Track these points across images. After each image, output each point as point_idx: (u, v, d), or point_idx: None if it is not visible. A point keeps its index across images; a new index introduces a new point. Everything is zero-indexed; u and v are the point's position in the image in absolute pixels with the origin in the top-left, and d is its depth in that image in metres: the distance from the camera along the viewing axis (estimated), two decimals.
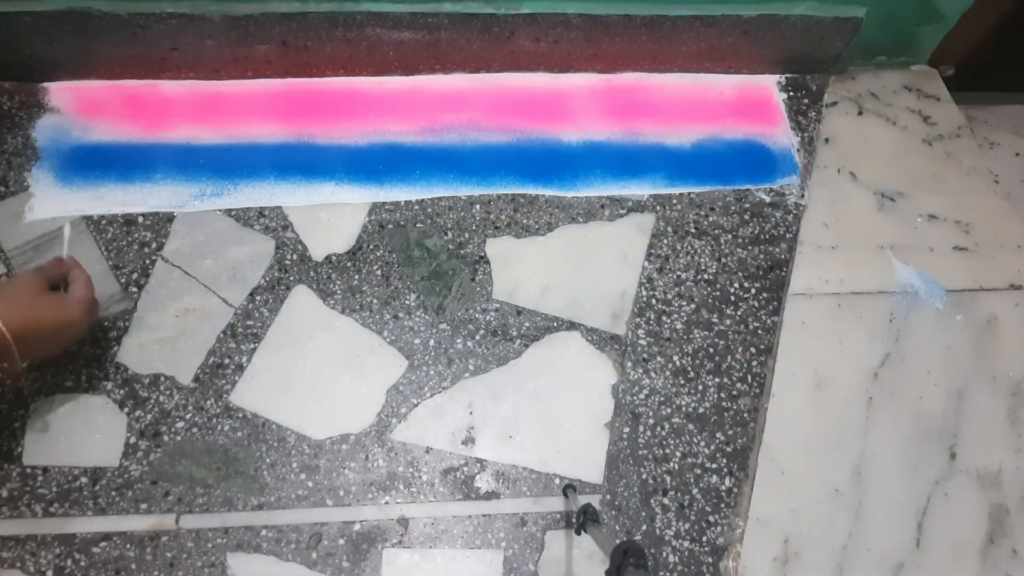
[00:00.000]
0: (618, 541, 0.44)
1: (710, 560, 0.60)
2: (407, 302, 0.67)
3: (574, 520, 0.55)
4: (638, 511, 0.61)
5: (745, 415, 0.65)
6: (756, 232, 0.74)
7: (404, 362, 0.65)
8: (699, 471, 0.63)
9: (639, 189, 0.75)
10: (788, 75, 0.84)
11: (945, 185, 0.79)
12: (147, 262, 0.67)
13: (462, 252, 0.70)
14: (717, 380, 0.66)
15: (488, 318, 0.67)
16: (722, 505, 0.62)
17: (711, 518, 0.61)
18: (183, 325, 0.64)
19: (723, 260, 0.72)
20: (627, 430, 0.64)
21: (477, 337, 0.66)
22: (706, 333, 0.68)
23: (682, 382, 0.66)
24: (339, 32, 0.72)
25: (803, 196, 0.76)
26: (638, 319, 0.68)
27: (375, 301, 0.67)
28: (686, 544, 0.60)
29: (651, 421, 0.64)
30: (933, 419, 0.66)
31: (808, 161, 0.78)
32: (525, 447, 0.62)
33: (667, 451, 0.63)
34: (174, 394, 0.61)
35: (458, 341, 0.66)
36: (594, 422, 0.64)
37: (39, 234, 0.66)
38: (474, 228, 0.71)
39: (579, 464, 0.62)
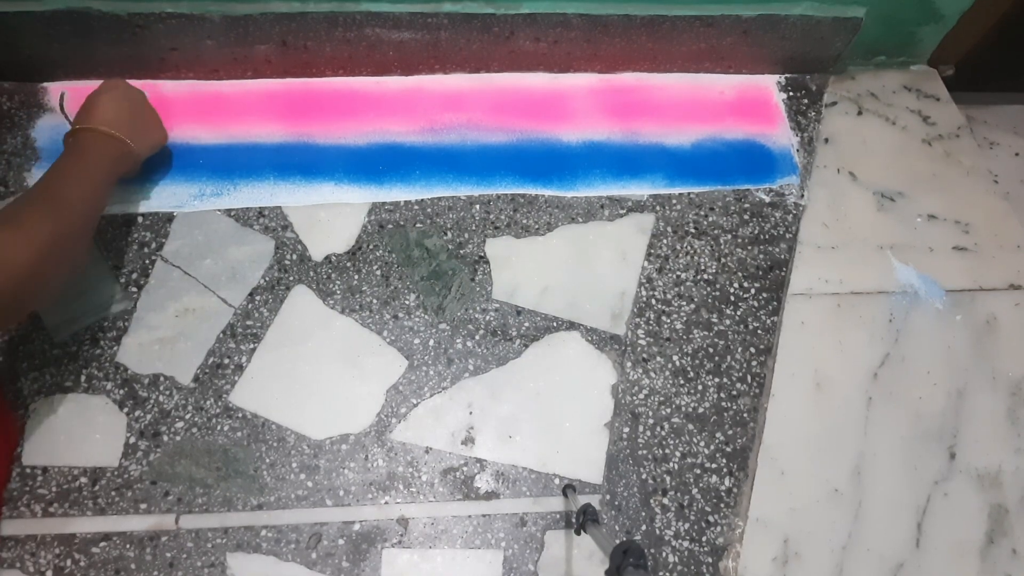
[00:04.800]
0: (618, 541, 0.44)
1: (710, 560, 0.60)
2: (407, 302, 0.67)
3: (574, 520, 0.55)
4: (638, 511, 0.61)
5: (745, 415, 0.65)
6: (756, 232, 0.74)
7: (404, 362, 0.65)
8: (699, 471, 0.63)
9: (639, 189, 0.75)
10: (788, 75, 0.84)
11: (945, 185, 0.79)
12: (147, 262, 0.67)
13: (462, 252, 0.70)
14: (717, 380, 0.66)
15: (488, 318, 0.67)
16: (722, 505, 0.62)
17: (711, 518, 0.61)
18: (183, 325, 0.64)
19: (723, 260, 0.72)
20: (627, 430, 0.64)
21: (477, 337, 0.66)
22: (706, 333, 0.68)
23: (682, 382, 0.66)
24: (339, 32, 0.72)
25: (803, 196, 0.76)
26: (638, 319, 0.68)
27: (375, 301, 0.67)
28: (686, 544, 0.60)
29: (651, 421, 0.64)
30: (933, 419, 0.66)
31: (808, 161, 0.78)
32: (525, 447, 0.62)
33: (667, 451, 0.63)
34: (174, 394, 0.61)
35: (458, 341, 0.66)
36: (594, 422, 0.64)
37: None
38: (474, 228, 0.71)
39: (579, 464, 0.62)
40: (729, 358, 0.67)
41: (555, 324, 0.67)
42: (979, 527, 0.63)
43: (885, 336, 0.70)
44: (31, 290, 0.50)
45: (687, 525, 0.61)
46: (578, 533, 0.54)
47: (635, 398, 0.65)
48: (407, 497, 0.60)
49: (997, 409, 0.67)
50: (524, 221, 0.72)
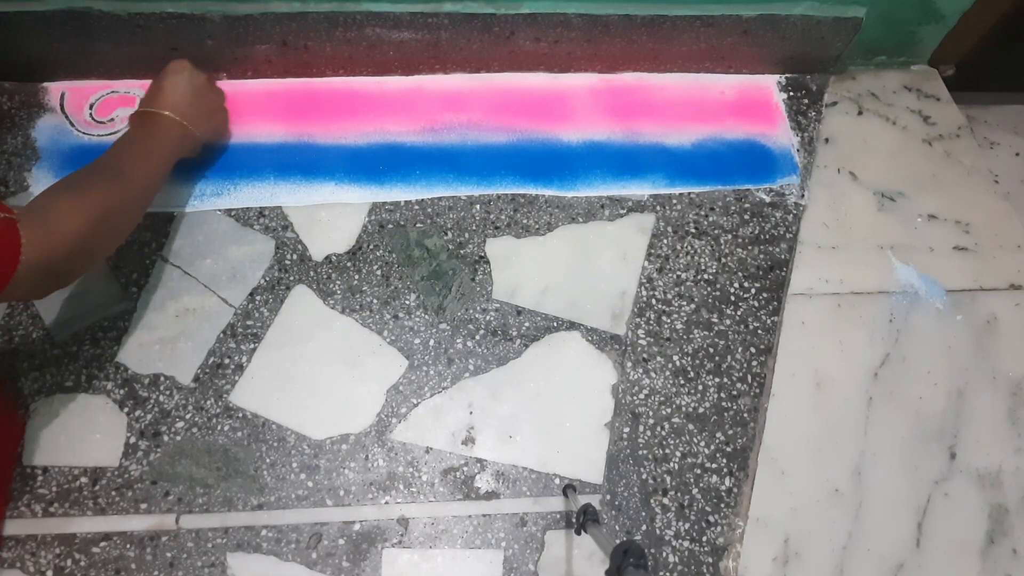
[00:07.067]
0: (618, 541, 0.44)
1: (710, 560, 0.60)
2: (407, 302, 0.67)
3: (574, 520, 0.55)
4: (638, 511, 0.61)
5: (745, 415, 0.65)
6: (756, 232, 0.74)
7: (404, 362, 0.65)
8: (699, 471, 0.63)
9: (639, 189, 0.75)
10: (788, 75, 0.84)
11: (945, 185, 0.79)
12: (147, 262, 0.67)
13: (462, 252, 0.70)
14: (717, 380, 0.66)
15: (488, 318, 0.67)
16: (722, 505, 0.62)
17: (711, 518, 0.61)
18: (183, 325, 0.64)
19: (723, 260, 0.72)
20: (627, 430, 0.64)
21: (477, 337, 0.66)
22: (706, 333, 0.68)
23: (682, 382, 0.66)
24: (339, 32, 0.72)
25: (803, 196, 0.76)
26: (638, 319, 0.68)
27: (375, 301, 0.67)
28: (686, 544, 0.60)
29: (651, 421, 0.64)
30: (933, 419, 0.66)
31: (808, 161, 0.78)
32: (525, 447, 0.62)
33: (667, 451, 0.63)
34: (174, 394, 0.61)
35: (458, 341, 0.66)
36: (594, 422, 0.64)
37: None
38: (474, 228, 0.71)
39: (579, 464, 0.62)
40: (729, 358, 0.67)
41: (555, 324, 0.67)
42: (979, 527, 0.63)
43: (885, 336, 0.70)
44: (83, 257, 0.52)
45: (687, 525, 0.61)
46: (578, 533, 0.54)
47: (635, 398, 0.65)
48: (407, 497, 0.60)
49: (997, 409, 0.67)
50: (524, 221, 0.72)
